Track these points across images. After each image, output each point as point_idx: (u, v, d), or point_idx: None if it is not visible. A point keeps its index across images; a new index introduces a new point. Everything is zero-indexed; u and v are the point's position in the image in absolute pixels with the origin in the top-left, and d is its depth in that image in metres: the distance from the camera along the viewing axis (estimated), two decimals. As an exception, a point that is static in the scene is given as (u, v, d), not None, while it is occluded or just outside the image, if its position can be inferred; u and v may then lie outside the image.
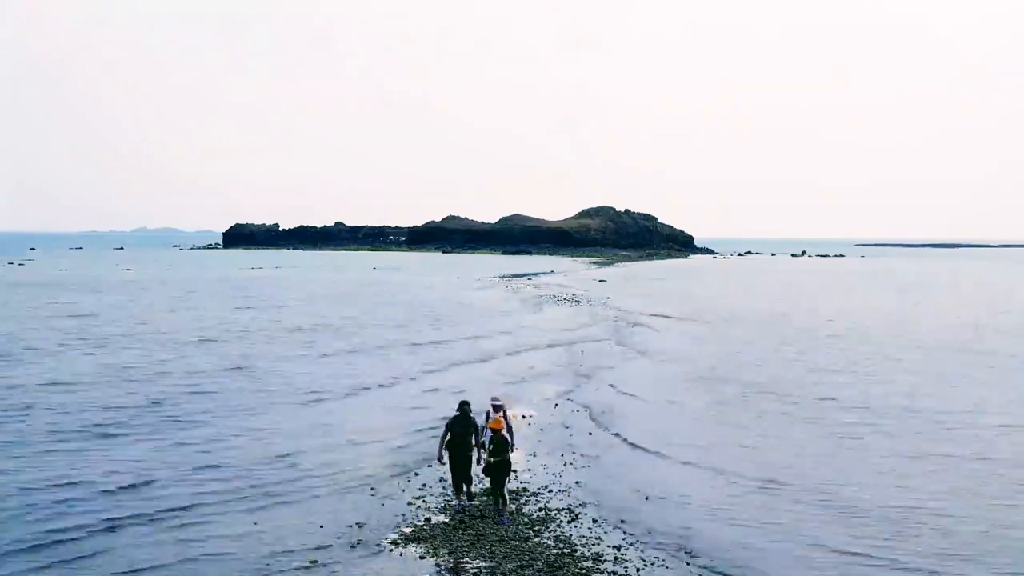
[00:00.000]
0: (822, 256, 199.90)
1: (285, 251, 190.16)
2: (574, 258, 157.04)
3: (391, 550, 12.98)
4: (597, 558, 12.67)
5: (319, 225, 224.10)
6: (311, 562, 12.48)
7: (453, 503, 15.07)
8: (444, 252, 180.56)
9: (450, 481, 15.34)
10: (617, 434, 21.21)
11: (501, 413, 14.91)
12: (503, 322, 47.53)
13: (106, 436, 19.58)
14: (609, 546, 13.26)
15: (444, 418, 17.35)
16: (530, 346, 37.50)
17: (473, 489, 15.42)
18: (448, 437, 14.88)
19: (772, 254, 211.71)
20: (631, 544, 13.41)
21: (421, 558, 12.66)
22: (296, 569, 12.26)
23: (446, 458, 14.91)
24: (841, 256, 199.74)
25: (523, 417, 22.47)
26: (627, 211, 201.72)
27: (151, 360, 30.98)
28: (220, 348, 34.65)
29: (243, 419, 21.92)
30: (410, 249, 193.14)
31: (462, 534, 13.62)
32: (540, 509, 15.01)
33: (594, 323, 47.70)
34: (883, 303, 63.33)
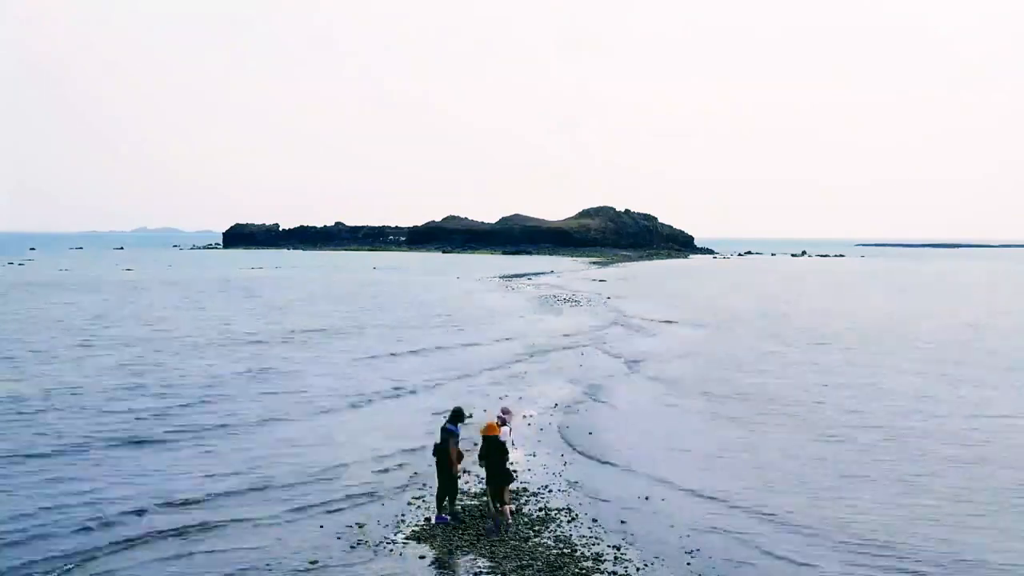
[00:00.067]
0: (822, 256, 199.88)
1: (285, 251, 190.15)
2: (574, 258, 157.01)
3: (391, 550, 12.99)
4: (597, 558, 12.67)
5: (319, 225, 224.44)
6: (311, 562, 12.48)
7: (432, 518, 14.35)
8: (444, 252, 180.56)
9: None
10: (617, 434, 21.22)
11: (498, 420, 14.85)
12: (502, 321, 47.52)
13: (126, 445, 19.01)
14: (609, 546, 13.27)
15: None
16: (529, 346, 37.47)
17: (475, 489, 15.41)
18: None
19: (772, 254, 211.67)
20: (631, 544, 13.41)
21: (421, 558, 12.67)
22: (296, 569, 12.27)
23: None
24: (841, 256, 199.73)
25: (523, 417, 22.47)
26: (627, 211, 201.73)
27: (163, 363, 30.92)
28: (228, 352, 34.45)
29: (249, 420, 21.93)
30: (410, 249, 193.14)
31: (462, 534, 13.63)
32: (540, 509, 15.01)
33: (593, 323, 47.68)
34: (883, 303, 63.35)
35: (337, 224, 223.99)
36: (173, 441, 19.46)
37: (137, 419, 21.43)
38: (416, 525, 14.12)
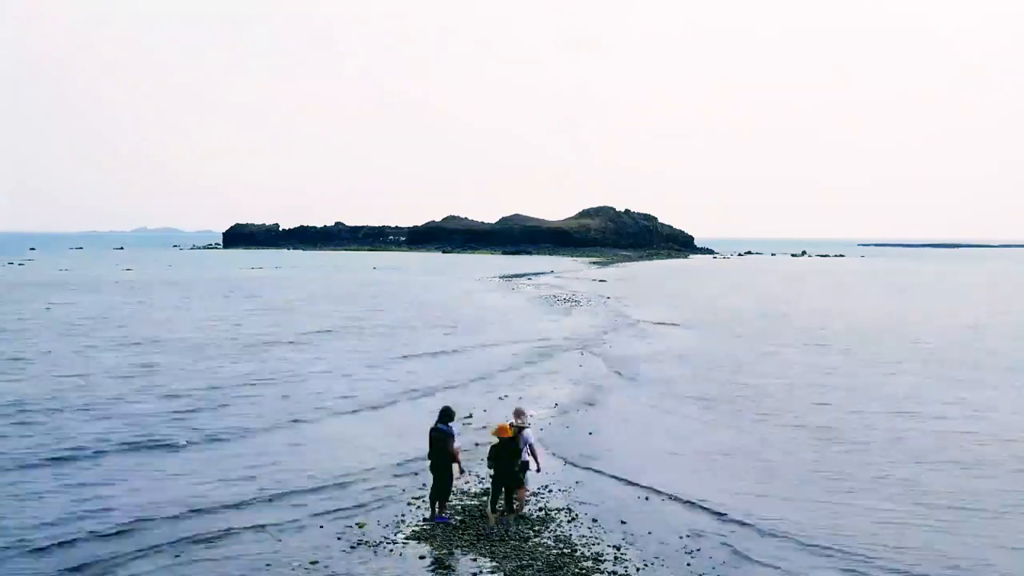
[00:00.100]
0: (822, 256, 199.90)
1: (285, 251, 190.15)
2: (574, 258, 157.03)
3: (391, 550, 12.98)
4: (597, 558, 12.67)
5: (319, 225, 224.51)
6: (311, 562, 12.48)
7: (426, 518, 14.36)
8: (444, 252, 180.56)
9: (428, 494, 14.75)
10: (618, 435, 21.22)
11: (513, 427, 14.59)
12: (502, 322, 47.53)
13: (140, 450, 18.70)
14: (609, 546, 13.26)
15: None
16: (528, 346, 37.45)
17: (475, 490, 15.40)
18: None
19: (772, 254, 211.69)
20: (631, 544, 13.41)
21: (421, 558, 12.67)
22: (296, 569, 12.26)
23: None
24: (841, 256, 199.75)
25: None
26: (627, 211, 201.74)
27: (171, 365, 30.87)
28: (237, 354, 34.39)
29: (258, 424, 21.92)
30: (410, 249, 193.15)
31: (462, 534, 13.63)
32: (540, 509, 15.01)
33: (593, 324, 47.68)
34: (883, 304, 63.34)
35: (337, 224, 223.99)
36: (183, 446, 19.15)
37: (150, 422, 21.03)
38: (416, 525, 14.11)
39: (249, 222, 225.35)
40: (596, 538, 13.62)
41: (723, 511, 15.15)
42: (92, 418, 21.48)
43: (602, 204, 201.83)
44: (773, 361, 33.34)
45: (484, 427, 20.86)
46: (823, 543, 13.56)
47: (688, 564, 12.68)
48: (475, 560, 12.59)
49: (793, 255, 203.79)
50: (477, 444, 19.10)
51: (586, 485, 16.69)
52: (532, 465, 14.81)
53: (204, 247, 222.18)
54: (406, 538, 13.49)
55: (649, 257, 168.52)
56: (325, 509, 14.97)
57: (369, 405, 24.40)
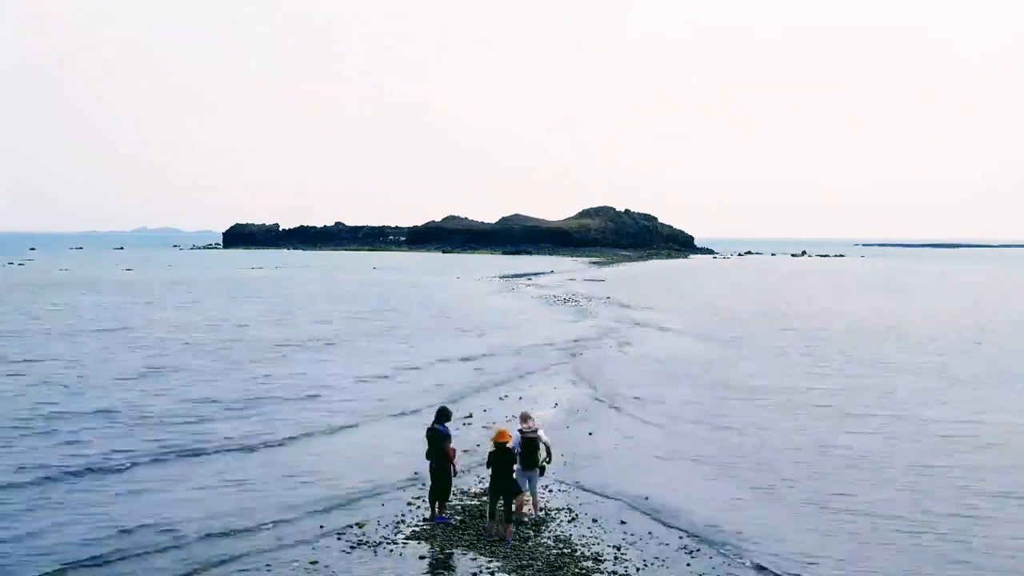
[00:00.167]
0: (822, 256, 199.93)
1: (285, 251, 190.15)
2: (574, 258, 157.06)
3: (391, 550, 12.98)
4: (597, 558, 12.67)
5: (319, 225, 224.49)
6: (311, 562, 12.48)
7: (426, 518, 14.33)
8: (444, 252, 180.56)
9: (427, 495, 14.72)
10: (618, 435, 21.22)
11: (517, 427, 14.40)
12: (502, 322, 47.53)
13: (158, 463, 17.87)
14: (609, 546, 13.26)
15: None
16: (528, 345, 37.47)
17: (475, 489, 15.38)
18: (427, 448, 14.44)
19: (772, 254, 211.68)
20: (631, 544, 13.41)
21: (421, 558, 12.66)
22: (296, 569, 12.26)
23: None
24: (841, 256, 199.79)
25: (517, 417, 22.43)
26: (627, 211, 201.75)
27: (181, 369, 30.75)
28: (246, 356, 34.27)
29: (260, 425, 21.92)
30: (410, 249, 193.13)
31: (462, 534, 13.63)
32: (540, 509, 15.00)
33: (594, 324, 47.68)
34: (883, 304, 63.32)
35: (337, 224, 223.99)
36: (196, 456, 18.50)
37: (163, 432, 20.24)
38: (416, 525, 14.11)
39: (249, 222, 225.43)
40: (596, 538, 13.62)
41: (723, 512, 15.15)
42: (106, 425, 20.78)
43: (602, 204, 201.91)
44: (773, 362, 33.33)
45: (485, 427, 20.88)
46: (825, 544, 13.56)
47: (688, 564, 12.68)
48: (475, 560, 12.59)
49: (793, 255, 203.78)
50: (479, 445, 19.11)
51: (586, 485, 16.68)
52: (543, 452, 14.28)
53: (204, 247, 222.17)
54: (406, 538, 13.48)
55: (649, 257, 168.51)
56: (323, 507, 14.99)
57: (373, 414, 24.36)
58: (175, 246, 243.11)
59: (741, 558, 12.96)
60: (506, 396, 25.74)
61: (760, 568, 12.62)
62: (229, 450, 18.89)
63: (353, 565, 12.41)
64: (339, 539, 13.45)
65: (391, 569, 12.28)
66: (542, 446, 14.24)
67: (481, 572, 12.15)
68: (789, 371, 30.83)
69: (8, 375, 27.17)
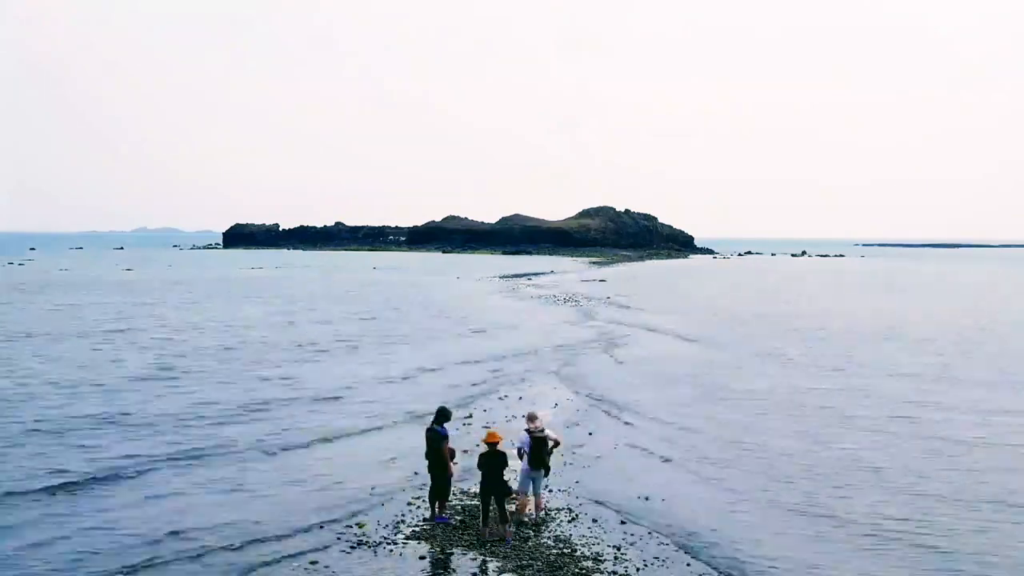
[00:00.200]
0: (822, 256, 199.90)
1: (285, 251, 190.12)
2: (574, 258, 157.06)
3: (391, 550, 12.99)
4: (597, 558, 12.68)
5: (319, 225, 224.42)
6: (311, 563, 12.48)
7: (426, 518, 14.39)
8: (444, 252, 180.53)
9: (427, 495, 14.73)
10: (617, 434, 21.23)
11: (525, 427, 14.33)
12: (502, 322, 47.52)
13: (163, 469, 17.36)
14: (609, 546, 13.27)
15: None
16: (529, 346, 37.44)
17: (475, 489, 15.34)
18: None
19: (772, 254, 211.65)
20: (631, 544, 13.42)
21: (421, 558, 12.67)
22: (296, 569, 12.27)
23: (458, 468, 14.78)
24: (841, 256, 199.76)
25: (524, 417, 22.44)
26: (627, 211, 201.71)
27: (189, 372, 30.61)
28: (253, 357, 34.18)
29: (263, 426, 21.90)
30: (410, 249, 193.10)
31: (462, 534, 13.64)
32: (541, 510, 14.99)
33: (593, 324, 47.69)
34: (883, 304, 63.31)
35: (337, 224, 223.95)
36: (205, 460, 18.13)
37: (170, 436, 19.93)
38: (416, 525, 14.12)
39: (249, 222, 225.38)
40: (596, 538, 13.62)
41: (724, 512, 15.16)
42: (118, 430, 20.43)
43: (602, 204, 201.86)
44: (773, 362, 33.32)
45: (485, 427, 20.88)
46: (825, 544, 13.57)
47: (688, 565, 12.69)
48: (475, 560, 12.60)
49: (793, 255, 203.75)
50: (478, 445, 19.09)
51: (586, 485, 16.69)
52: (551, 439, 14.27)
53: (204, 247, 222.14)
54: (406, 538, 13.49)
55: (649, 257, 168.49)
56: (324, 506, 15.00)
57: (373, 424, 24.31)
58: (175, 246, 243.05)
59: (741, 558, 12.97)
60: (506, 396, 25.75)
61: (759, 570, 12.63)
62: (234, 452, 18.76)
63: (353, 565, 12.42)
64: (339, 539, 13.45)
65: (391, 569, 12.29)
66: (550, 444, 14.24)
67: (481, 572, 12.16)
68: (789, 371, 30.83)
69: (17, 379, 26.94)
